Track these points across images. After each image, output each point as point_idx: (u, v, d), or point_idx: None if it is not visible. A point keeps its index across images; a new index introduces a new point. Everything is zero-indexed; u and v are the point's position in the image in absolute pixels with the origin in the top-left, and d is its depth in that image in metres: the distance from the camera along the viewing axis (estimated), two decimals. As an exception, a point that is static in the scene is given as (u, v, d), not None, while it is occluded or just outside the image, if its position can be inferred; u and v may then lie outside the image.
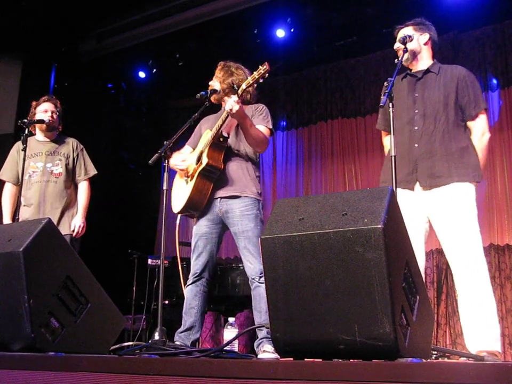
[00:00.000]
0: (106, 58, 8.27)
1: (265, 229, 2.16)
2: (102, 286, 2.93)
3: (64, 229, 4.79)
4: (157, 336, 3.32)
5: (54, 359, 2.33)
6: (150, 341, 3.38)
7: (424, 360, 1.94)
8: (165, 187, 3.71)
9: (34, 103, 5.08)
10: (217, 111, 4.41)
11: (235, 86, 3.98)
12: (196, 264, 4.04)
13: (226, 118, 3.94)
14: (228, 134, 4.09)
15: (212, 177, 4.01)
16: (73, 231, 4.85)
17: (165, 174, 3.73)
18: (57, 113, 5.08)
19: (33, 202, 4.84)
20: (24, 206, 4.81)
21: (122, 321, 3.09)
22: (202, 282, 4.03)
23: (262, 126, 4.07)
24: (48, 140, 5.05)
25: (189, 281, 4.05)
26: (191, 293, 4.02)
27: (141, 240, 8.65)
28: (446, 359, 3.27)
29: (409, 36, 3.77)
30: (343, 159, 8.27)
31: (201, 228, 4.08)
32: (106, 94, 8.99)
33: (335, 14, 7.21)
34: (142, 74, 8.74)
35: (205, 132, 4.19)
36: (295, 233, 2.06)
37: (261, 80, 3.85)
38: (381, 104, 3.23)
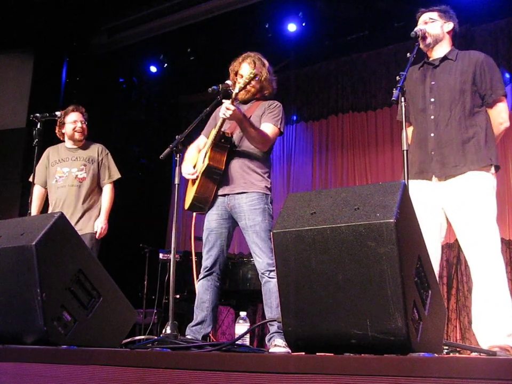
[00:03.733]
0: (117, 53, 8.30)
1: (277, 223, 2.16)
2: (113, 280, 2.94)
3: (84, 228, 4.97)
4: (168, 330, 3.34)
5: (66, 352, 2.34)
6: (161, 335, 3.39)
7: (436, 355, 1.93)
8: (176, 181, 3.72)
9: (62, 112, 5.17)
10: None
11: (230, 89, 3.98)
12: (207, 259, 4.05)
13: (223, 122, 3.94)
14: (232, 134, 4.09)
15: (214, 178, 4.03)
16: (96, 232, 5.01)
17: (177, 169, 3.75)
18: (85, 122, 5.22)
19: (58, 206, 5.00)
20: (52, 209, 5.03)
21: (134, 315, 3.10)
22: (214, 277, 4.04)
23: (270, 124, 4.06)
24: (76, 146, 5.22)
25: (200, 276, 4.06)
26: (203, 288, 4.03)
27: (152, 234, 8.68)
28: (457, 354, 3.27)
29: (431, 18, 3.75)
30: (353, 153, 8.27)
31: (211, 223, 4.09)
32: (118, 88, 9.01)
33: (347, 8, 7.19)
34: (153, 69, 8.76)
35: (211, 131, 4.19)
36: (307, 228, 2.05)
37: (248, 86, 3.94)
38: (393, 98, 3.20)
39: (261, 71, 4.12)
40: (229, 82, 4.11)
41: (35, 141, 4.68)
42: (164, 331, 3.40)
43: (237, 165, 4.05)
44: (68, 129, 5.16)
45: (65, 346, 2.47)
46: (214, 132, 4.05)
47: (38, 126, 4.75)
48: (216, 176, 4.02)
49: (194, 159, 4.24)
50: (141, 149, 9.28)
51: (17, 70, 7.75)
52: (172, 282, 3.54)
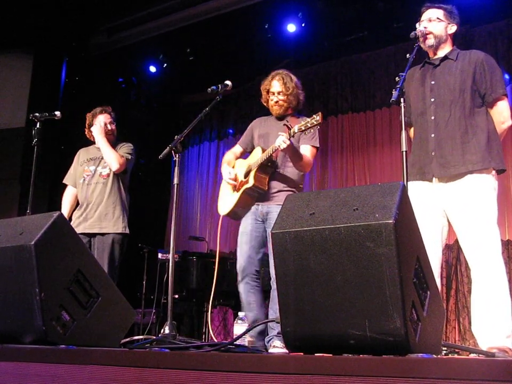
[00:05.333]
0: (117, 53, 8.29)
1: (276, 223, 2.16)
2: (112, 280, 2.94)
3: (107, 226, 4.92)
4: (167, 330, 3.34)
5: (65, 352, 2.34)
6: (160, 335, 3.39)
7: (434, 356, 1.93)
8: (175, 181, 3.72)
9: (89, 114, 5.22)
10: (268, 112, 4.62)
11: (289, 125, 4.13)
12: (239, 261, 4.25)
13: (275, 150, 4.13)
14: (276, 157, 4.31)
15: (255, 195, 4.29)
16: (120, 233, 4.95)
17: (176, 169, 3.74)
18: (114, 122, 5.23)
19: (82, 203, 5.02)
20: (79, 208, 5.04)
21: (132, 315, 3.10)
22: (250, 278, 4.21)
23: (309, 146, 4.33)
24: None
25: (238, 279, 4.26)
26: (244, 290, 4.22)
27: (151, 234, 8.67)
28: (456, 355, 3.27)
29: (439, 18, 3.74)
30: (352, 153, 8.27)
31: (247, 227, 4.30)
32: (117, 88, 9.00)
33: (346, 8, 7.20)
34: (152, 69, 8.75)
35: (256, 148, 4.42)
36: (306, 228, 2.05)
37: (312, 130, 4.08)
38: (392, 99, 3.20)
39: (292, 90, 4.38)
40: (228, 82, 4.13)
41: (34, 141, 4.67)
42: (162, 331, 3.39)
43: (276, 185, 4.29)
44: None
45: (64, 346, 2.47)
46: (262, 155, 4.23)
47: (38, 126, 4.74)
48: (257, 195, 4.28)
49: (231, 163, 4.54)
50: (140, 149, 9.25)
51: (16, 70, 7.75)
52: (171, 282, 3.54)
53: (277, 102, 4.41)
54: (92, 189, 4.98)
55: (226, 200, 4.41)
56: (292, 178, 4.32)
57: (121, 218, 5.00)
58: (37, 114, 4.82)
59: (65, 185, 5.25)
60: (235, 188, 4.37)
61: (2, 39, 7.40)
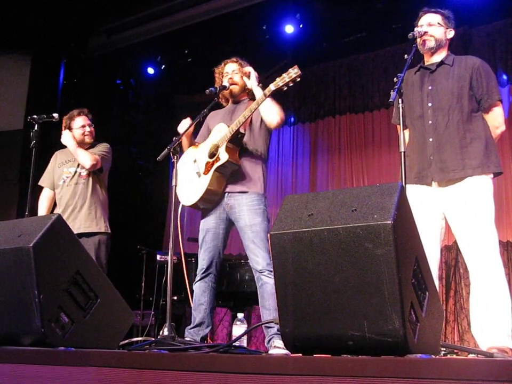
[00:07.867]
0: (115, 54, 8.30)
1: (274, 224, 2.16)
2: (111, 282, 2.94)
3: (90, 226, 4.91)
4: (166, 332, 3.34)
5: (63, 353, 2.34)
6: (159, 336, 3.39)
7: (433, 356, 1.93)
8: (173, 183, 3.72)
9: (66, 117, 5.18)
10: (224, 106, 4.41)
11: (261, 86, 3.99)
12: (203, 260, 4.06)
13: (251, 114, 3.92)
14: (244, 129, 4.06)
15: (227, 173, 4.02)
16: (105, 232, 4.95)
17: (174, 170, 3.74)
18: (92, 124, 5.19)
19: (63, 204, 4.99)
20: (59, 209, 5.02)
21: (131, 317, 3.09)
22: (211, 278, 4.05)
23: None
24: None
25: (197, 278, 4.07)
26: (200, 290, 4.04)
27: (149, 236, 8.67)
28: (454, 356, 3.27)
29: (439, 23, 3.75)
30: (350, 154, 8.27)
31: (208, 223, 4.10)
32: (115, 89, 9.00)
33: (344, 9, 7.20)
34: (150, 70, 8.76)
35: (218, 126, 4.14)
36: (304, 229, 2.05)
37: (291, 84, 3.83)
38: (391, 99, 3.21)
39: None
40: (226, 84, 4.12)
41: (32, 143, 4.66)
42: (161, 332, 3.39)
43: (245, 164, 4.06)
44: (76, 134, 5.09)
45: (62, 347, 2.47)
46: (232, 126, 3.97)
47: (36, 128, 4.73)
48: (229, 172, 4.01)
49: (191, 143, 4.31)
50: (139, 150, 9.27)
51: (14, 71, 7.74)
52: (169, 284, 3.54)
53: (230, 78, 4.23)
54: (72, 190, 4.97)
55: (191, 188, 4.12)
56: (257, 159, 4.09)
57: (103, 218, 5.00)
58: (35, 116, 4.81)
59: (41, 188, 5.20)
60: (202, 173, 4.07)
61: (0, 40, 7.39)
